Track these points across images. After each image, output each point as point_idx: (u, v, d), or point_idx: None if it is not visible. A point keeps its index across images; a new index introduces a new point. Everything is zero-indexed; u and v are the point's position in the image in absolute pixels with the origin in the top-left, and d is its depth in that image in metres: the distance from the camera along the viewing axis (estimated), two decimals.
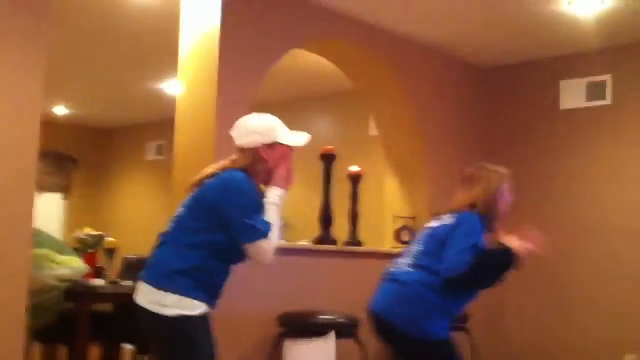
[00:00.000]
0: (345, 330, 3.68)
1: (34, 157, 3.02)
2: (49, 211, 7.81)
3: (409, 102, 4.83)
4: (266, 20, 3.97)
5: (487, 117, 5.36)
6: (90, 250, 4.16)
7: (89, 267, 3.88)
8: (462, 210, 2.97)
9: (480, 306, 4.79)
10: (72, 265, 3.60)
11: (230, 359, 3.41)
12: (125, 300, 3.77)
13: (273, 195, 2.48)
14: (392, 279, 2.95)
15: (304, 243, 4.35)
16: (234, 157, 2.54)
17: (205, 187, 2.46)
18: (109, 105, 7.36)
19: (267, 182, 2.52)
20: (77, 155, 8.25)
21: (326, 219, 4.34)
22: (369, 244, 4.69)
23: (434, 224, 3.03)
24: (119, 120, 8.06)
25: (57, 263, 3.52)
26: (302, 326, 3.63)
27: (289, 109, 6.61)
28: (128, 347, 3.82)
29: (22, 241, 2.95)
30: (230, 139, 2.58)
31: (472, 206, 2.98)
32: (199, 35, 3.81)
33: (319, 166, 4.49)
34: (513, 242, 2.83)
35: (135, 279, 3.89)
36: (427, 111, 4.92)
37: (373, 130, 5.58)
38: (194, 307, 2.32)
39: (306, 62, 5.21)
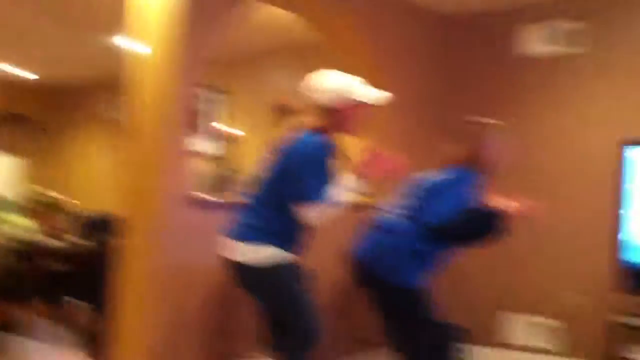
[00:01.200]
0: None
1: None
2: (5, 172, 7.79)
3: (369, 53, 4.78)
4: None
5: (452, 67, 5.30)
6: (44, 210, 4.22)
7: (43, 226, 3.93)
8: (454, 165, 3.05)
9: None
10: (23, 225, 3.65)
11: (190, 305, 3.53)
12: (82, 259, 3.85)
13: (347, 181, 2.66)
14: (379, 227, 3.10)
15: None
16: (310, 115, 2.66)
17: (289, 150, 2.67)
18: (60, 64, 7.26)
19: (342, 133, 2.71)
20: (32, 116, 8.18)
21: None
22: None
23: (426, 176, 3.12)
24: (70, 79, 7.95)
25: (7, 223, 3.57)
26: None
27: (249, 63, 6.56)
28: (82, 304, 3.89)
29: None
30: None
31: (464, 161, 3.06)
32: None
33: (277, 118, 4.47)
34: (501, 203, 2.88)
35: (92, 236, 3.96)
36: (388, 62, 4.87)
37: None
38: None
39: (266, 14, 5.10)
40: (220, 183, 5.19)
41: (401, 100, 4.92)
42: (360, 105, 2.70)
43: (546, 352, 4.79)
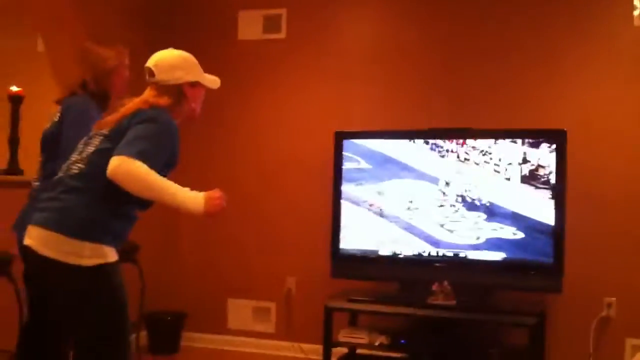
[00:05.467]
0: None
1: None
2: None
3: (78, 19, 4.43)
4: None
5: (165, 42, 5.12)
6: None
7: None
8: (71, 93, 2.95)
9: (152, 238, 4.73)
10: None
11: None
12: None
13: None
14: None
15: None
16: (153, 94, 2.44)
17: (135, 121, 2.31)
18: None
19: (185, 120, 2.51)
20: None
21: None
22: (32, 174, 4.25)
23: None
24: None
25: None
26: None
27: None
28: None
29: None
30: None
31: (81, 87, 2.96)
32: None
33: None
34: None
35: None
36: (98, 30, 4.53)
37: (41, 46, 5.03)
38: None
39: None
40: None
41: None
42: (204, 88, 2.58)
43: (269, 336, 4.89)
